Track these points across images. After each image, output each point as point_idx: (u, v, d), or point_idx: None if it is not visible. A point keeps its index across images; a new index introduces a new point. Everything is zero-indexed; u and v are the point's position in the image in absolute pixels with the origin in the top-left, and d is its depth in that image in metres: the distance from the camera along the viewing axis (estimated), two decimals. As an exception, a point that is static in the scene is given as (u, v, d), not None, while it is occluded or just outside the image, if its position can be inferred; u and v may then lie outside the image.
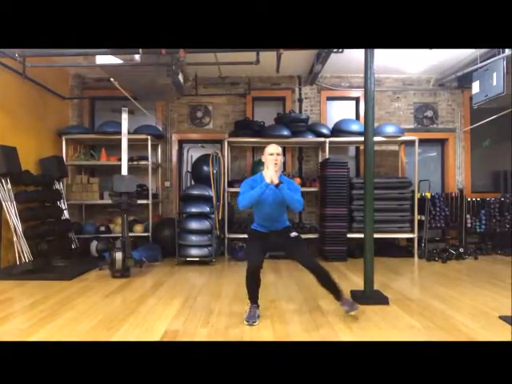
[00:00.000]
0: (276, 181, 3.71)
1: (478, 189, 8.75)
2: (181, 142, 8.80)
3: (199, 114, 8.58)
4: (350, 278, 5.81)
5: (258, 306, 4.00)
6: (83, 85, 8.60)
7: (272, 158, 3.85)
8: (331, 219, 7.25)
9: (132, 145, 7.14)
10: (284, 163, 8.66)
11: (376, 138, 6.63)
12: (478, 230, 8.14)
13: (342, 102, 8.86)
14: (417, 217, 7.63)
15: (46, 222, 6.69)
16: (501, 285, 5.39)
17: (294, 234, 4.05)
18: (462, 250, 7.56)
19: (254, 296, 3.97)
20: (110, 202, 6.37)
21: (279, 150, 3.93)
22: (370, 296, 4.58)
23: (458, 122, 8.65)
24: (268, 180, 3.73)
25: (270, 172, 3.76)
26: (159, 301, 4.65)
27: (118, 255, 5.79)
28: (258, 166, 8.03)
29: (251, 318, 3.81)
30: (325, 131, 7.91)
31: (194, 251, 6.92)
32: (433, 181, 8.25)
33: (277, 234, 4.04)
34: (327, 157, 7.68)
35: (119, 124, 6.54)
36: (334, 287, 4.00)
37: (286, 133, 7.70)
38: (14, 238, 5.99)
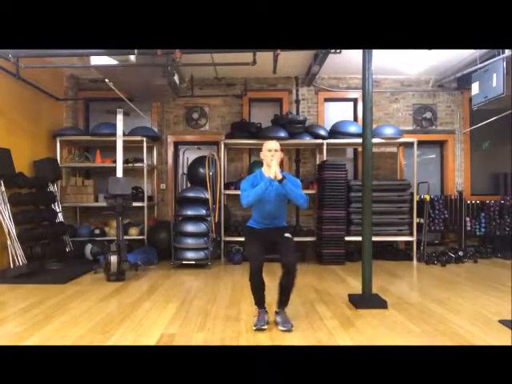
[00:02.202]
0: (280, 176, 3.66)
1: (477, 191, 8.70)
2: (176, 144, 8.76)
3: (195, 116, 8.53)
4: (348, 282, 5.78)
5: (267, 311, 3.93)
6: (78, 86, 8.54)
7: (270, 154, 3.80)
8: (329, 222, 7.20)
9: (127, 146, 7.08)
10: (281, 165, 8.62)
11: (374, 140, 6.58)
12: (478, 233, 8.11)
13: (340, 104, 8.81)
14: (416, 219, 7.59)
15: (40, 225, 6.67)
16: (500, 288, 5.37)
17: (288, 234, 4.00)
18: (461, 253, 7.53)
19: (259, 300, 3.91)
20: (104, 204, 6.36)
21: (278, 146, 3.88)
22: (368, 300, 4.57)
23: (458, 124, 8.61)
24: (272, 175, 3.67)
25: (274, 167, 3.69)
26: (155, 304, 4.63)
27: (113, 258, 5.76)
28: (254, 167, 7.99)
29: (259, 322, 3.77)
30: (322, 133, 7.86)
31: (189, 254, 6.88)
32: (432, 183, 8.24)
33: (274, 231, 3.97)
34: (325, 159, 7.65)
35: (114, 125, 6.52)
36: (286, 295, 3.89)
37: (283, 134, 7.65)
38: (8, 241, 5.97)
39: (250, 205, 3.83)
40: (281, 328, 3.72)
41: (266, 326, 3.75)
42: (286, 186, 3.70)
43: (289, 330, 3.69)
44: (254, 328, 3.72)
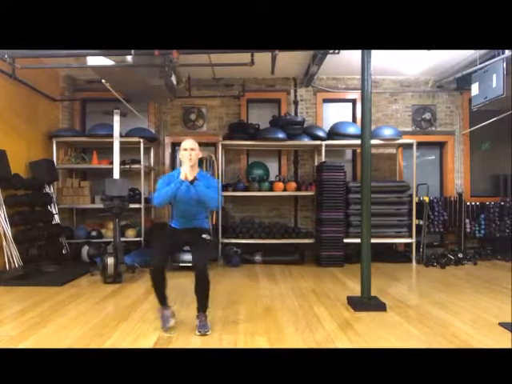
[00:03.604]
0: (190, 177, 3.65)
1: (477, 193, 8.67)
2: (174, 145, 8.70)
3: (193, 117, 8.50)
4: (347, 284, 5.76)
5: (169, 307, 3.92)
6: (74, 86, 8.50)
7: (186, 153, 3.77)
8: (327, 224, 7.17)
9: (124, 148, 7.04)
10: (279, 167, 8.59)
11: (373, 141, 6.57)
12: (478, 234, 8.08)
13: (339, 104, 8.78)
14: (415, 221, 7.56)
15: (36, 227, 6.63)
16: (501, 291, 5.35)
17: (205, 236, 3.95)
18: (460, 255, 7.52)
19: (161, 297, 3.88)
20: (101, 206, 6.33)
21: (194, 145, 3.85)
22: (367, 302, 4.55)
23: (457, 125, 8.58)
24: (182, 176, 3.67)
25: (184, 168, 3.70)
26: (152, 307, 4.55)
27: (110, 260, 5.73)
28: (252, 169, 7.96)
29: (164, 323, 3.78)
30: (321, 134, 7.84)
31: (187, 256, 6.76)
32: (431, 185, 8.22)
33: (190, 231, 3.94)
34: (323, 160, 7.61)
35: (111, 126, 6.50)
36: (204, 299, 3.85)
37: (281, 136, 7.63)
38: (4, 243, 5.94)
39: (160, 204, 3.84)
40: (196, 332, 3.69)
41: (172, 322, 3.80)
42: (197, 187, 3.68)
43: (203, 335, 3.65)
44: (162, 330, 3.72)
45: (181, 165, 3.88)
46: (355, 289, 5.17)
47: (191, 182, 3.67)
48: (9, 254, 5.92)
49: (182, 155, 3.80)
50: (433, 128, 8.59)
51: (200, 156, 3.92)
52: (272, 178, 8.14)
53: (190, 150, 3.78)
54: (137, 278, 6.18)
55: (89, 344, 3.44)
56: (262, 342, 3.48)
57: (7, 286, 5.47)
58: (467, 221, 8.05)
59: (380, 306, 4.46)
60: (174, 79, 6.58)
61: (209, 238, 3.96)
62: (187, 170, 3.68)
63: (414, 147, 7.65)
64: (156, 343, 3.45)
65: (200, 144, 8.37)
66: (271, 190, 7.76)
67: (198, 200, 3.76)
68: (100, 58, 5.66)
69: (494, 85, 5.93)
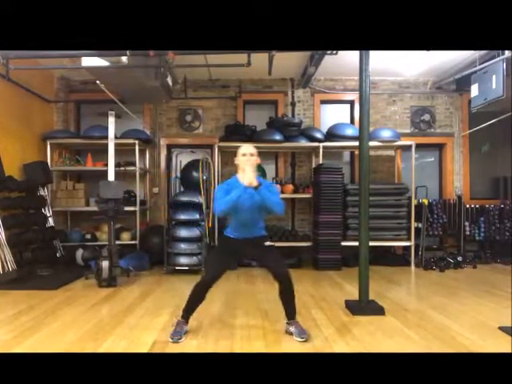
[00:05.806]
0: (255, 183, 3.48)
1: (476, 195, 8.65)
2: (169, 147, 8.67)
3: (188, 118, 8.47)
4: (345, 288, 5.74)
5: (187, 323, 3.82)
6: (69, 88, 8.47)
7: (245, 158, 3.64)
8: (325, 227, 7.13)
9: (119, 150, 7.00)
10: (276, 169, 8.55)
11: (371, 143, 6.52)
12: (477, 237, 8.04)
13: (337, 106, 8.78)
14: (414, 224, 7.53)
15: (30, 230, 6.60)
16: (500, 294, 5.33)
17: (268, 243, 3.85)
18: (460, 258, 7.50)
19: (190, 311, 3.80)
20: (96, 208, 6.31)
21: (253, 149, 3.72)
22: (365, 306, 4.54)
23: (456, 127, 8.57)
24: (246, 182, 3.49)
25: (248, 174, 3.52)
26: (147, 311, 4.60)
27: (105, 264, 5.69)
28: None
29: (176, 335, 3.64)
30: (318, 136, 7.81)
31: (183, 260, 6.78)
32: (430, 187, 8.19)
33: (251, 241, 3.79)
34: (321, 162, 7.59)
35: (106, 128, 6.45)
36: (292, 305, 3.78)
37: (278, 137, 7.60)
38: (-3, 246, 5.87)
39: (223, 214, 3.72)
40: (297, 339, 3.60)
41: (182, 339, 3.65)
42: (262, 193, 3.53)
43: (305, 341, 3.57)
44: (171, 341, 3.59)
45: (238, 171, 3.74)
46: (353, 292, 5.14)
47: (255, 188, 3.51)
48: (2, 257, 5.86)
49: (242, 161, 3.65)
50: (432, 130, 8.57)
51: (258, 162, 3.77)
52: (269, 180, 8.09)
53: (249, 156, 3.65)
54: (132, 281, 6.15)
55: (83, 348, 3.42)
56: (259, 347, 3.46)
57: (1, 290, 5.43)
58: (467, 223, 8.02)
59: (378, 310, 4.44)
60: (169, 80, 6.55)
61: (272, 244, 3.86)
62: (251, 176, 3.50)
63: (413, 149, 7.62)
64: (151, 348, 3.43)
65: (196, 146, 8.45)
66: (268, 192, 7.69)
67: (260, 206, 3.62)
68: (95, 59, 5.63)
69: (494, 86, 5.90)
